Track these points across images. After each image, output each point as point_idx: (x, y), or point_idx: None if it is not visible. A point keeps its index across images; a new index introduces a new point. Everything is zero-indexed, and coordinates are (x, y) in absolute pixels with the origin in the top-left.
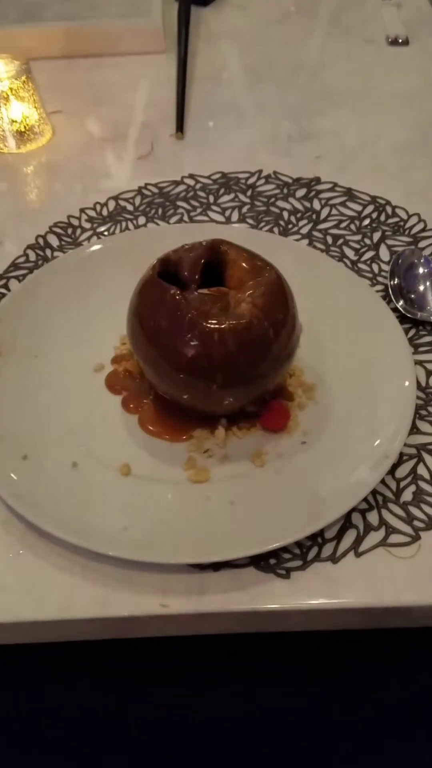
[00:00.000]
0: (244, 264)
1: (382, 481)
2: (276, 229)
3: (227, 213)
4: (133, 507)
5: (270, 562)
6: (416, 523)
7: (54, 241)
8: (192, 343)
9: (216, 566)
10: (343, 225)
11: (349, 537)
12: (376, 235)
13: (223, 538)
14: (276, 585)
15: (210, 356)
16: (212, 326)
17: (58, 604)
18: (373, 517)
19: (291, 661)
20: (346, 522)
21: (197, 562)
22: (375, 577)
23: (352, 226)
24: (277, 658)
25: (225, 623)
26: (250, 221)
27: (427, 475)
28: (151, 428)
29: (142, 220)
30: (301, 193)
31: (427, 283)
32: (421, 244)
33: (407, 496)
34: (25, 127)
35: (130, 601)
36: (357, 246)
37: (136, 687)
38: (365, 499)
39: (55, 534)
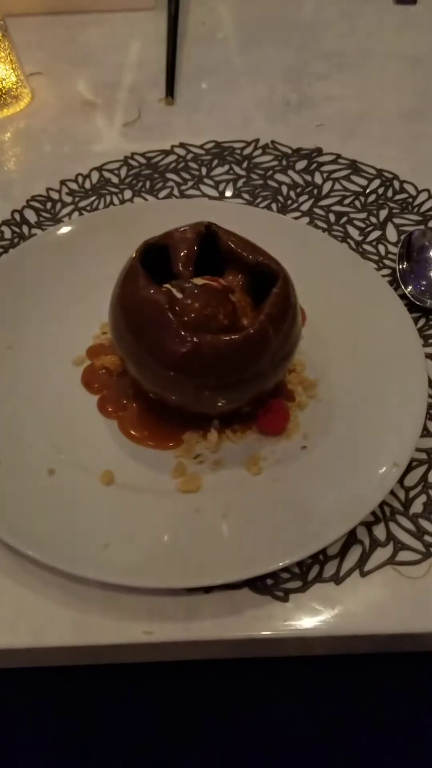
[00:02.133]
0: (241, 252)
1: (390, 490)
2: (274, 206)
3: (221, 187)
4: (115, 521)
5: (267, 583)
6: (427, 538)
7: (31, 216)
8: (183, 345)
9: (207, 587)
10: (346, 201)
11: (354, 554)
12: (383, 213)
13: (214, 558)
14: (273, 609)
15: (202, 356)
16: (205, 330)
17: (31, 630)
18: (380, 531)
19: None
20: (350, 537)
21: (186, 586)
22: (382, 599)
23: (357, 203)
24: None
25: (216, 650)
26: (246, 196)
27: None
28: (133, 433)
29: (128, 194)
30: (301, 165)
31: None
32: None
33: (417, 507)
34: (1, 90)
35: (110, 627)
36: (362, 225)
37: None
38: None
39: (28, 553)
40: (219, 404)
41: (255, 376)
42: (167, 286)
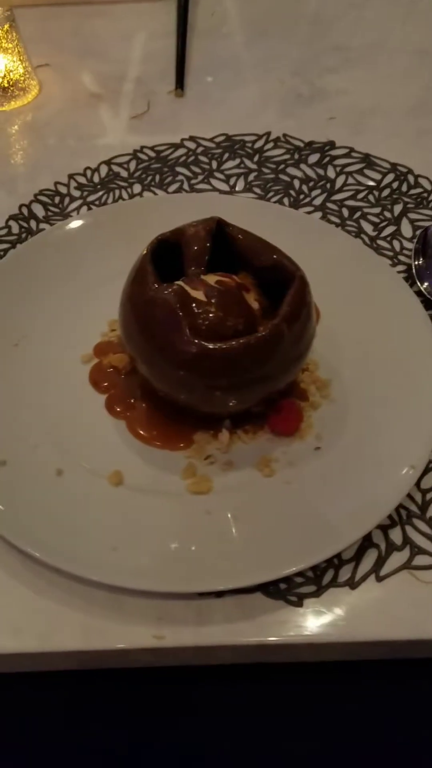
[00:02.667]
0: (254, 249)
1: (407, 493)
2: (286, 200)
3: (232, 181)
4: (123, 522)
5: (280, 587)
6: None
7: (39, 211)
8: (193, 346)
9: (219, 591)
10: (360, 196)
11: (370, 558)
12: (397, 208)
13: (225, 562)
14: (287, 614)
15: (212, 358)
16: (220, 332)
17: (37, 634)
18: (396, 535)
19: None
20: (365, 540)
21: (196, 590)
22: (399, 605)
23: (371, 197)
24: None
25: (228, 655)
26: (258, 191)
27: None
28: (142, 433)
29: (137, 188)
30: (313, 158)
31: None
32: None
33: None
34: (8, 82)
35: (119, 631)
36: (376, 220)
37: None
38: None
39: (34, 554)
40: (230, 404)
41: (267, 378)
42: (179, 282)
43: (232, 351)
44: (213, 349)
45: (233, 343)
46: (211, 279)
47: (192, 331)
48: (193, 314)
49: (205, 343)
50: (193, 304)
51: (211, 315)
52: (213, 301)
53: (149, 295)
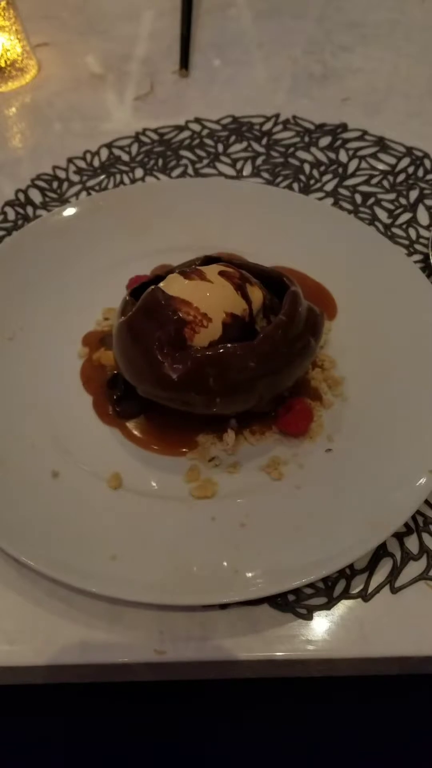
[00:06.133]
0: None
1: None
2: (296, 185)
3: (238, 165)
4: (123, 529)
5: (288, 599)
6: None
7: (37, 196)
8: (171, 371)
9: (223, 603)
10: (374, 181)
11: (384, 568)
12: (413, 194)
13: (231, 572)
14: (295, 627)
15: (199, 371)
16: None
17: (33, 647)
18: (412, 543)
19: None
20: (379, 549)
21: (200, 603)
22: (415, 618)
23: (385, 183)
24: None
25: (233, 670)
26: (266, 175)
27: None
28: (138, 435)
29: (139, 172)
30: (325, 141)
31: None
32: None
33: None
34: (6, 61)
35: (119, 645)
36: (391, 207)
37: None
38: None
39: (29, 564)
40: (230, 410)
41: (267, 375)
42: (155, 286)
43: (217, 356)
44: (191, 365)
45: (217, 350)
46: (214, 269)
47: (169, 357)
48: (170, 321)
49: (179, 365)
50: (170, 311)
51: (190, 316)
52: (198, 294)
53: (123, 322)
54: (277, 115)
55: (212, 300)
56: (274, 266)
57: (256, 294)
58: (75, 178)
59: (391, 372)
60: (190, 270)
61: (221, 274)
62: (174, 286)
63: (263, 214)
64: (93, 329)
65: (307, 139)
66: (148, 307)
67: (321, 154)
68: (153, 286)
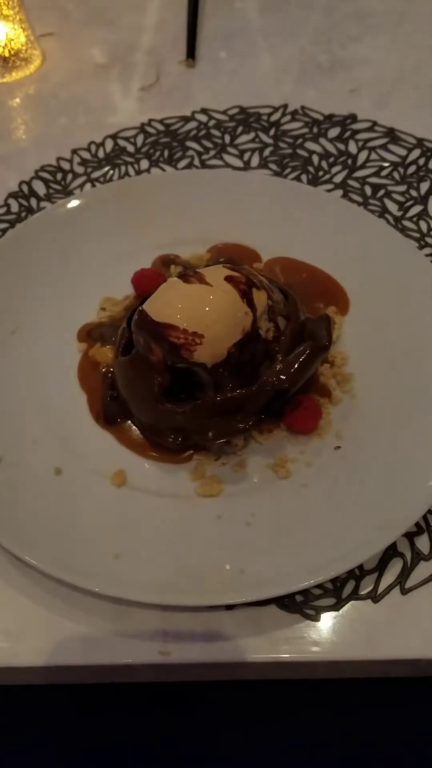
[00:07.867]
0: None
1: None
2: (304, 177)
3: (246, 156)
4: (127, 528)
5: (296, 600)
6: None
7: (40, 188)
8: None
9: (229, 604)
10: (384, 173)
11: (394, 568)
12: (424, 186)
13: (237, 572)
14: (303, 628)
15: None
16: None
17: (34, 648)
18: (423, 543)
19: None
20: (389, 549)
21: (205, 604)
22: (425, 619)
23: (395, 174)
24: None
25: (239, 672)
26: (273, 167)
27: None
28: (134, 440)
29: (144, 164)
30: (333, 132)
31: None
32: None
33: None
34: (9, 51)
35: (122, 646)
36: (401, 199)
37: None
38: None
39: (31, 562)
40: (237, 426)
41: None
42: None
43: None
44: (184, 410)
45: (197, 402)
46: (217, 271)
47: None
48: (158, 364)
49: (172, 405)
50: (159, 344)
51: (180, 339)
52: (190, 305)
53: (120, 362)
54: (285, 106)
55: (209, 310)
56: (281, 257)
57: (261, 299)
58: (79, 169)
59: (402, 368)
60: (190, 273)
61: (227, 279)
62: (160, 301)
63: (271, 206)
64: (88, 321)
65: (315, 129)
66: (136, 352)
67: (330, 145)
68: (137, 315)
